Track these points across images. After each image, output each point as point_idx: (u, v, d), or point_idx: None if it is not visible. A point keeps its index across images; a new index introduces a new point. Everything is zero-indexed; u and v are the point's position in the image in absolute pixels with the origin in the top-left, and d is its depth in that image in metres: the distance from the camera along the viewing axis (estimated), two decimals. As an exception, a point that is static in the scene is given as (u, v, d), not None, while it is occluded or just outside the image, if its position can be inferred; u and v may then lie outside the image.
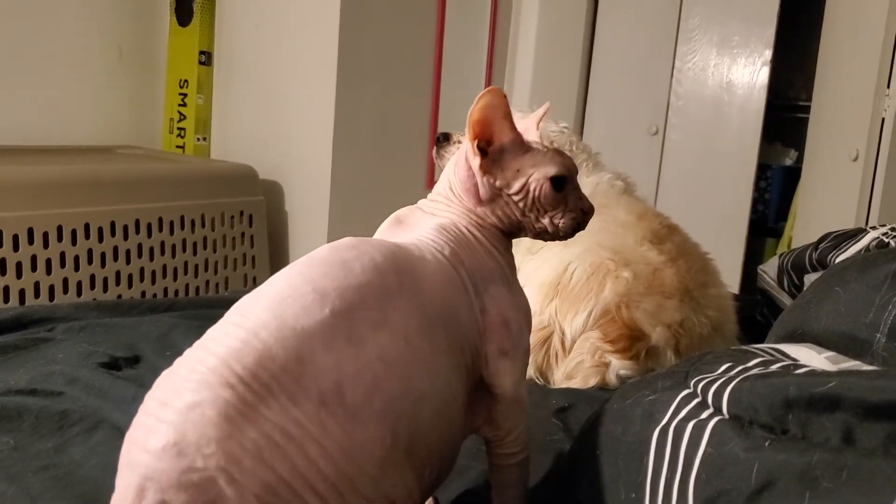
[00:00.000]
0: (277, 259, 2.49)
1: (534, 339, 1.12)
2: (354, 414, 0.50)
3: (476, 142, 0.66)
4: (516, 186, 0.65)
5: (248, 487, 0.46)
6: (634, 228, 1.28)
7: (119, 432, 0.88)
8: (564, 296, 1.18)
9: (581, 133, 3.48)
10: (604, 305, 1.15)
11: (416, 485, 0.56)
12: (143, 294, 2.01)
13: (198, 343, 0.52)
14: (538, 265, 1.27)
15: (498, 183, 0.66)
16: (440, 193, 0.69)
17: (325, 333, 0.51)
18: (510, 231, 0.67)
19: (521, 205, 0.66)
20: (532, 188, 0.65)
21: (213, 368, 0.49)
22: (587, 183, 1.48)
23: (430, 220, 0.66)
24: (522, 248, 1.35)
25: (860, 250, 1.08)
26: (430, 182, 1.81)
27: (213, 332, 0.53)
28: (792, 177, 3.67)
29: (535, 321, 1.13)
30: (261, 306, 0.52)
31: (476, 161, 0.65)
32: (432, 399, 0.56)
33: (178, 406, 0.47)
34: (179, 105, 2.58)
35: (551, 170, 0.65)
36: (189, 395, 0.48)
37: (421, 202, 0.70)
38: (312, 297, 0.53)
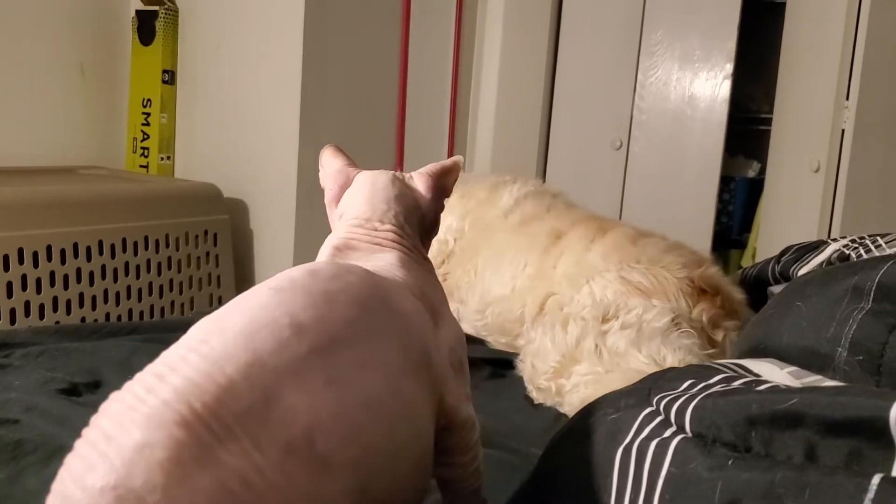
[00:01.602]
0: (243, 278, 2.47)
1: None
2: (325, 465, 0.45)
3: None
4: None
5: None
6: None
7: (78, 460, 0.86)
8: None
9: (546, 147, 3.50)
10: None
11: None
12: (108, 316, 1.98)
13: (151, 368, 0.47)
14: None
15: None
16: (381, 226, 0.68)
17: (301, 373, 0.46)
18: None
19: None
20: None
21: (168, 403, 0.43)
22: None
23: (384, 252, 0.66)
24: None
25: (822, 262, 1.09)
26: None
27: (169, 357, 0.47)
28: (755, 189, 3.72)
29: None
30: (229, 336, 0.47)
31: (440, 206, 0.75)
32: (412, 450, 0.52)
33: (123, 443, 0.42)
34: (143, 124, 2.56)
35: None
36: (138, 433, 0.42)
37: (352, 231, 0.68)
38: (290, 331, 0.47)
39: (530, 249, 1.38)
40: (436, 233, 0.76)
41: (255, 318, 0.48)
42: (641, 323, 1.10)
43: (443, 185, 0.75)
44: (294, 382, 0.45)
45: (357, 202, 0.70)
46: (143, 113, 2.55)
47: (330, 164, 0.76)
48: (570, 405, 1.08)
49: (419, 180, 0.74)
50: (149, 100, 2.54)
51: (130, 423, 0.43)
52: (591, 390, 1.06)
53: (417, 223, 0.71)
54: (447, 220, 1.56)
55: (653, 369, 1.02)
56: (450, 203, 1.61)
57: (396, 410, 0.51)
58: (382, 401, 0.50)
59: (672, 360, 1.04)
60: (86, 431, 0.45)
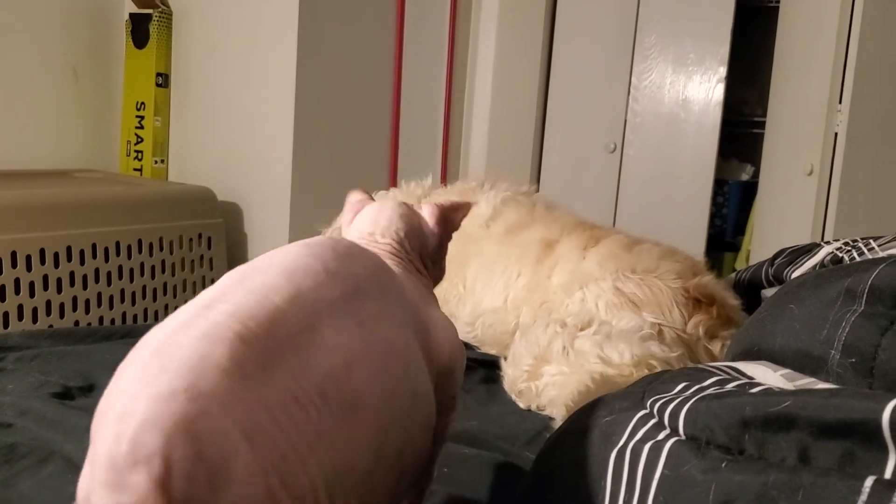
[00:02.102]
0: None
1: None
2: (356, 400, 0.47)
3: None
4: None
5: (261, 445, 0.41)
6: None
7: (71, 464, 0.86)
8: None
9: (540, 150, 3.51)
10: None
11: (396, 488, 0.53)
12: (101, 319, 1.98)
13: (194, 301, 0.47)
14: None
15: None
16: (381, 238, 0.72)
17: (336, 311, 0.49)
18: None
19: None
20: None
21: (222, 322, 0.43)
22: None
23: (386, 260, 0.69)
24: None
25: (815, 265, 1.09)
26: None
27: (211, 292, 0.47)
28: (749, 191, 3.72)
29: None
30: (270, 274, 0.49)
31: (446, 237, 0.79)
32: (423, 403, 0.56)
33: (185, 354, 0.41)
34: (136, 127, 2.55)
35: None
36: (198, 343, 0.42)
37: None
38: (325, 275, 0.50)
39: (522, 260, 1.37)
40: (441, 268, 0.79)
41: (293, 262, 0.51)
42: (611, 328, 1.10)
43: (450, 217, 0.80)
44: (330, 319, 0.48)
45: (363, 221, 0.74)
46: (137, 116, 2.54)
47: (351, 197, 0.80)
48: (542, 407, 1.09)
49: (427, 210, 0.78)
50: (143, 103, 2.54)
51: (187, 339, 0.43)
52: (557, 391, 1.06)
53: (419, 245, 0.74)
54: None
55: (603, 369, 1.02)
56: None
57: (410, 358, 0.54)
58: (398, 349, 0.53)
59: (621, 359, 1.04)
60: (127, 364, 0.43)
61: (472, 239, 1.46)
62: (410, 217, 0.75)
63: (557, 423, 1.00)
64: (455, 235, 1.50)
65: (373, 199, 0.80)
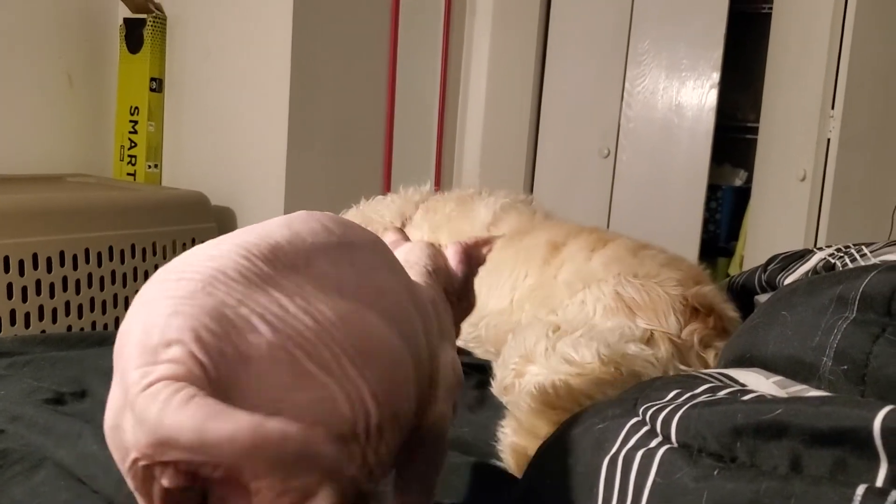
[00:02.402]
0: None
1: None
2: (360, 306, 0.51)
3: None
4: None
5: (278, 326, 0.45)
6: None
7: (63, 470, 0.86)
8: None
9: (534, 156, 3.51)
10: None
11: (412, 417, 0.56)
12: (94, 325, 1.97)
13: (200, 245, 0.52)
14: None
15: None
16: (409, 270, 0.74)
17: (331, 252, 0.53)
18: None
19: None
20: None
21: (227, 250, 0.49)
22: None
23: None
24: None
25: (807, 272, 1.09)
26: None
27: (218, 239, 0.53)
28: (742, 197, 3.73)
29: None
30: (270, 224, 0.54)
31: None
32: (418, 345, 0.57)
33: (197, 268, 0.47)
34: (130, 132, 2.55)
35: None
36: (208, 262, 0.47)
37: None
38: (320, 226, 0.55)
39: (529, 261, 1.37)
40: (470, 301, 0.82)
41: (293, 217, 0.56)
42: (595, 331, 1.10)
43: (475, 254, 0.83)
44: (325, 257, 0.52)
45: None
46: (131, 121, 2.54)
47: (386, 237, 0.82)
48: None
49: (451, 249, 0.82)
50: (136, 108, 2.53)
51: (198, 261, 0.48)
52: (532, 388, 1.05)
53: (444, 282, 0.77)
54: (416, 235, 1.57)
55: (566, 368, 1.02)
56: (415, 220, 1.61)
57: (405, 308, 0.57)
58: (393, 294, 0.56)
59: (583, 359, 1.04)
60: (149, 281, 0.48)
61: None
62: (436, 256, 0.78)
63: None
64: (457, 237, 1.50)
65: (408, 238, 0.83)
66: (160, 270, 0.49)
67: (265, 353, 0.44)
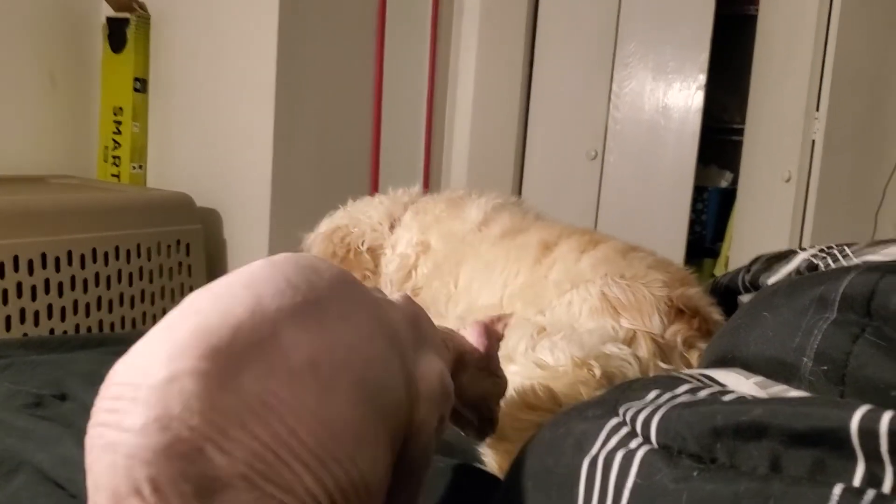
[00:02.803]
0: (216, 288, 2.44)
1: None
2: (328, 386, 0.50)
3: None
4: None
5: (236, 455, 0.45)
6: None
7: (42, 474, 0.85)
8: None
9: (522, 158, 3.51)
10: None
11: (389, 464, 0.56)
12: (77, 327, 1.96)
13: (163, 322, 0.50)
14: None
15: None
16: None
17: (298, 315, 0.52)
18: None
19: None
20: None
21: (187, 342, 0.47)
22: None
23: None
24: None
25: (791, 272, 1.09)
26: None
27: (179, 311, 0.51)
28: (728, 198, 3.75)
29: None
30: (234, 288, 0.52)
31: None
32: (391, 395, 0.57)
33: (151, 383, 0.45)
34: (114, 133, 2.54)
35: None
36: (163, 370, 0.46)
37: None
38: (286, 284, 0.53)
39: (521, 260, 1.38)
40: (501, 381, 0.82)
41: (255, 275, 0.54)
42: (574, 333, 1.11)
43: (493, 330, 0.83)
44: (292, 322, 0.51)
45: None
46: (115, 121, 2.53)
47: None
48: None
49: (471, 328, 0.82)
50: (120, 108, 2.52)
51: (153, 366, 0.47)
52: (511, 390, 1.06)
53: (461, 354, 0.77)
54: (405, 236, 1.57)
55: (539, 373, 1.02)
56: (404, 221, 1.62)
57: (373, 356, 0.56)
58: (362, 344, 0.55)
59: (556, 361, 1.04)
60: (103, 394, 0.47)
61: (465, 242, 1.47)
62: (454, 337, 0.79)
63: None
64: (446, 239, 1.51)
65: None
66: (116, 372, 0.48)
67: (222, 486, 0.45)
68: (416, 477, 0.65)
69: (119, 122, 2.52)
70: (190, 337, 0.47)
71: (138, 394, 0.45)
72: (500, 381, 0.81)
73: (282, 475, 0.47)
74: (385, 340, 0.58)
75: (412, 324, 0.67)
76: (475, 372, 0.78)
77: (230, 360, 0.47)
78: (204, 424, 0.45)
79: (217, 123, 2.48)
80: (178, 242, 2.25)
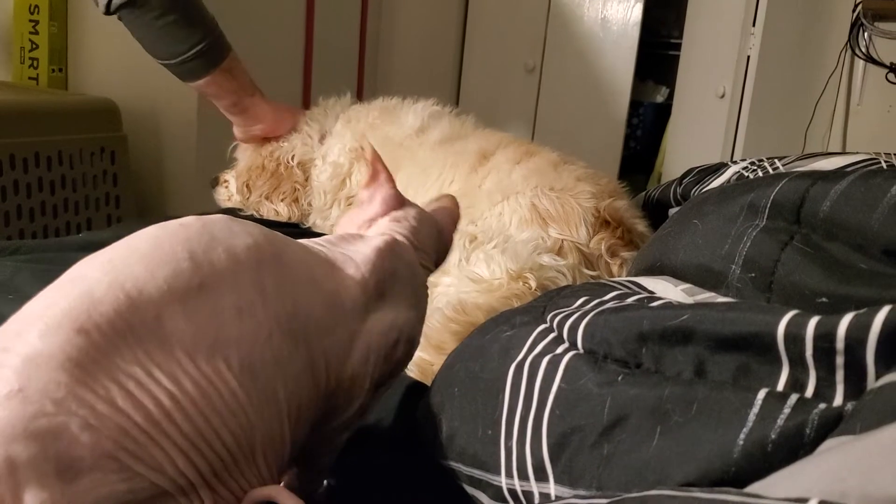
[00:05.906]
0: (145, 196, 2.38)
1: None
2: (206, 375, 0.48)
3: None
4: None
5: (103, 432, 0.43)
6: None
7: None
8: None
9: (459, 71, 3.46)
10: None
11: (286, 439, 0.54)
12: (-4, 236, 1.89)
13: (54, 284, 0.49)
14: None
15: None
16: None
17: (190, 301, 0.49)
18: None
19: None
20: None
21: (67, 312, 0.45)
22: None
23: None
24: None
25: (722, 184, 1.10)
26: (306, 107, 1.78)
27: (71, 274, 0.49)
28: (663, 114, 3.75)
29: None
30: (133, 259, 0.49)
31: None
32: (281, 402, 0.53)
33: (22, 351, 0.44)
34: (31, 33, 2.41)
35: None
36: (37, 340, 0.44)
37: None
38: (187, 264, 0.50)
39: (457, 167, 1.37)
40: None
41: (158, 246, 0.51)
42: (508, 242, 1.11)
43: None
44: (181, 307, 0.48)
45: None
46: (31, 20, 2.39)
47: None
48: None
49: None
50: (36, 6, 2.39)
51: (30, 332, 0.45)
52: (443, 302, 1.05)
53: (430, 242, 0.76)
54: (337, 145, 1.55)
55: (473, 286, 1.03)
56: (335, 131, 1.59)
57: (268, 361, 0.52)
58: (255, 344, 0.51)
59: (492, 275, 1.04)
60: None
61: (402, 147, 1.45)
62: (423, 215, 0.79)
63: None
64: (384, 143, 1.48)
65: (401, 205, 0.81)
66: (6, 324, 0.46)
67: (88, 466, 0.42)
68: (338, 440, 0.63)
69: (35, 22, 2.39)
70: (71, 307, 0.46)
71: (7, 359, 0.44)
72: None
73: (152, 454, 0.45)
74: (285, 338, 0.54)
75: (376, 283, 0.62)
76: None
77: (106, 338, 0.45)
78: (70, 399, 0.43)
79: (141, 25, 2.36)
80: (103, 150, 2.17)
